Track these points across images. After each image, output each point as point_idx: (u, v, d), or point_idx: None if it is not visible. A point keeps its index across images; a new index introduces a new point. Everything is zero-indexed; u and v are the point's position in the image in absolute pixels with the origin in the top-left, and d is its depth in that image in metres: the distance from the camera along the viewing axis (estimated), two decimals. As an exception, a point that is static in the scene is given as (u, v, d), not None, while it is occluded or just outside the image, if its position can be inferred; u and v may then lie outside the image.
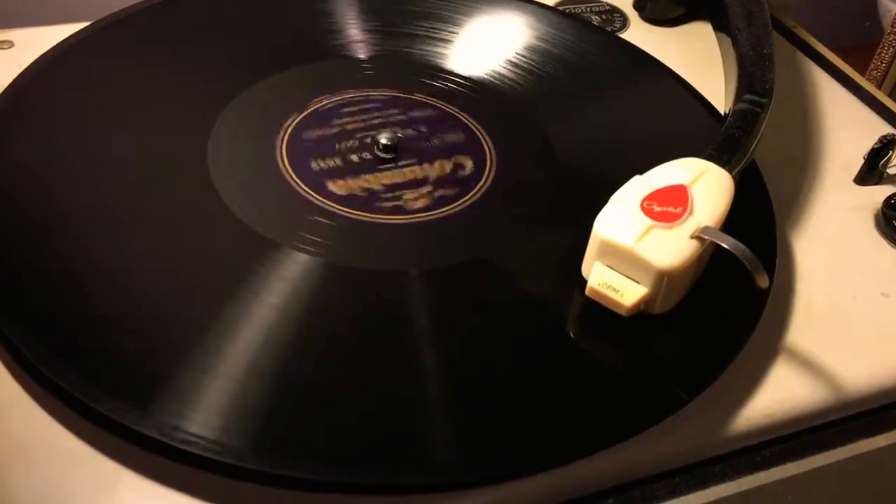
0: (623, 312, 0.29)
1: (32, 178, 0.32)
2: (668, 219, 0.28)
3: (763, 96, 0.35)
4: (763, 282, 0.27)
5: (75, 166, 0.33)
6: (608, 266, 0.29)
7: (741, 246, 0.27)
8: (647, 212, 0.29)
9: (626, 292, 0.28)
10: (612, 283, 0.29)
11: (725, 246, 0.27)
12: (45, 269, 0.29)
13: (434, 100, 0.39)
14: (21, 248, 0.29)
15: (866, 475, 0.33)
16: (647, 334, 0.29)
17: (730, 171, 0.31)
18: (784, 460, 0.30)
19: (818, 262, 0.35)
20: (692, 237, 0.28)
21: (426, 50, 0.41)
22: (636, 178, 0.30)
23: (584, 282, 0.29)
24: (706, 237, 0.28)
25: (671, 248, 0.28)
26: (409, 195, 0.34)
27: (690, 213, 0.29)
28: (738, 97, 0.35)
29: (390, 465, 0.25)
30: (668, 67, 0.42)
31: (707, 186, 0.30)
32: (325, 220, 0.32)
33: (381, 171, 0.35)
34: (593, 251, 0.29)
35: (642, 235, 0.28)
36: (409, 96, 0.39)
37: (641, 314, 0.29)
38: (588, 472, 0.27)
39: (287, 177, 0.34)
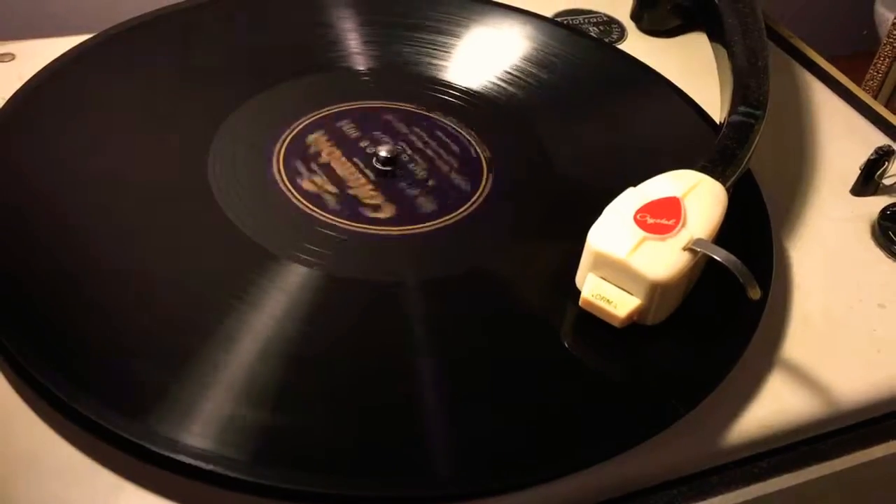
0: (616, 324, 0.29)
1: (34, 190, 0.32)
2: (661, 231, 0.29)
3: (757, 108, 0.35)
4: (755, 294, 0.27)
5: (76, 178, 0.33)
6: (602, 277, 0.29)
7: (733, 258, 0.27)
8: (641, 224, 0.29)
9: (620, 304, 0.28)
10: (605, 294, 0.29)
11: (717, 258, 0.27)
12: (45, 282, 0.29)
13: (432, 111, 0.39)
14: (22, 259, 0.30)
15: (864, 486, 0.33)
16: (644, 346, 0.29)
17: (723, 183, 0.31)
18: (781, 472, 0.30)
19: (814, 273, 0.35)
20: (685, 249, 0.28)
21: (424, 61, 0.41)
22: (630, 190, 0.30)
23: (579, 293, 0.30)
24: (698, 249, 0.28)
25: (664, 260, 0.28)
26: (406, 206, 0.34)
27: (683, 225, 0.29)
28: (733, 109, 0.35)
29: (388, 477, 0.25)
30: (665, 78, 0.42)
31: (700, 199, 0.30)
32: (323, 232, 0.32)
33: (378, 182, 0.35)
34: (587, 263, 0.29)
35: (635, 247, 0.28)
36: (407, 108, 0.39)
37: (636, 325, 0.29)
38: (584, 485, 0.27)
39: (284, 188, 0.34)
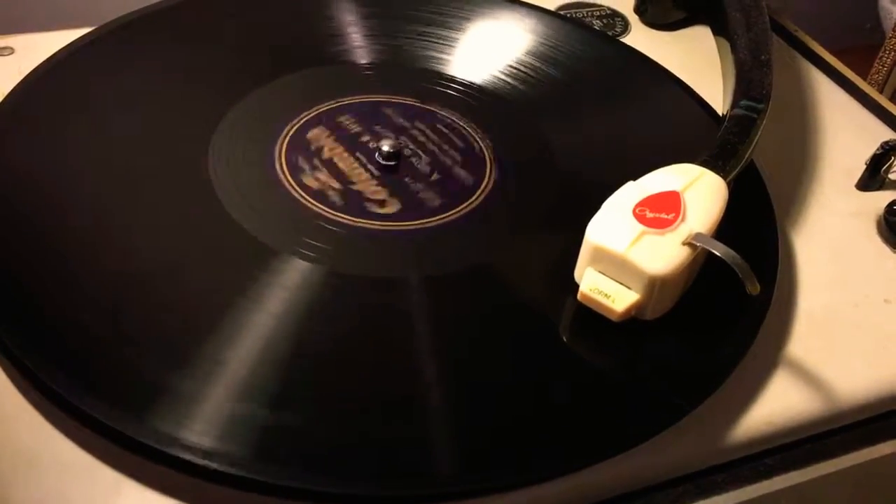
0: (614, 318, 0.29)
1: (34, 185, 0.32)
2: (660, 225, 0.28)
3: (760, 102, 0.35)
4: (754, 289, 0.27)
5: (76, 173, 0.33)
6: (600, 272, 0.29)
7: (732, 253, 0.27)
8: (640, 217, 0.29)
9: (618, 298, 0.28)
10: (603, 288, 0.29)
11: (716, 253, 0.27)
12: (45, 278, 0.29)
13: (435, 105, 0.39)
14: (22, 256, 0.30)
15: (870, 483, 0.32)
16: (650, 343, 0.29)
17: (724, 177, 0.31)
18: (787, 469, 0.30)
19: (820, 269, 0.35)
20: (684, 243, 0.28)
21: (427, 55, 0.41)
22: (630, 184, 0.30)
23: (578, 287, 0.29)
24: (698, 244, 0.28)
25: (663, 254, 0.28)
26: (409, 201, 0.34)
27: (683, 219, 0.29)
28: (735, 102, 0.35)
29: (391, 475, 0.25)
30: (668, 71, 0.42)
31: (701, 193, 0.30)
32: (325, 227, 0.32)
33: (381, 177, 0.35)
34: (586, 257, 0.29)
35: (634, 241, 0.28)
36: (410, 102, 0.39)
37: (642, 322, 0.29)
38: (589, 482, 0.27)
39: (287, 183, 0.34)
